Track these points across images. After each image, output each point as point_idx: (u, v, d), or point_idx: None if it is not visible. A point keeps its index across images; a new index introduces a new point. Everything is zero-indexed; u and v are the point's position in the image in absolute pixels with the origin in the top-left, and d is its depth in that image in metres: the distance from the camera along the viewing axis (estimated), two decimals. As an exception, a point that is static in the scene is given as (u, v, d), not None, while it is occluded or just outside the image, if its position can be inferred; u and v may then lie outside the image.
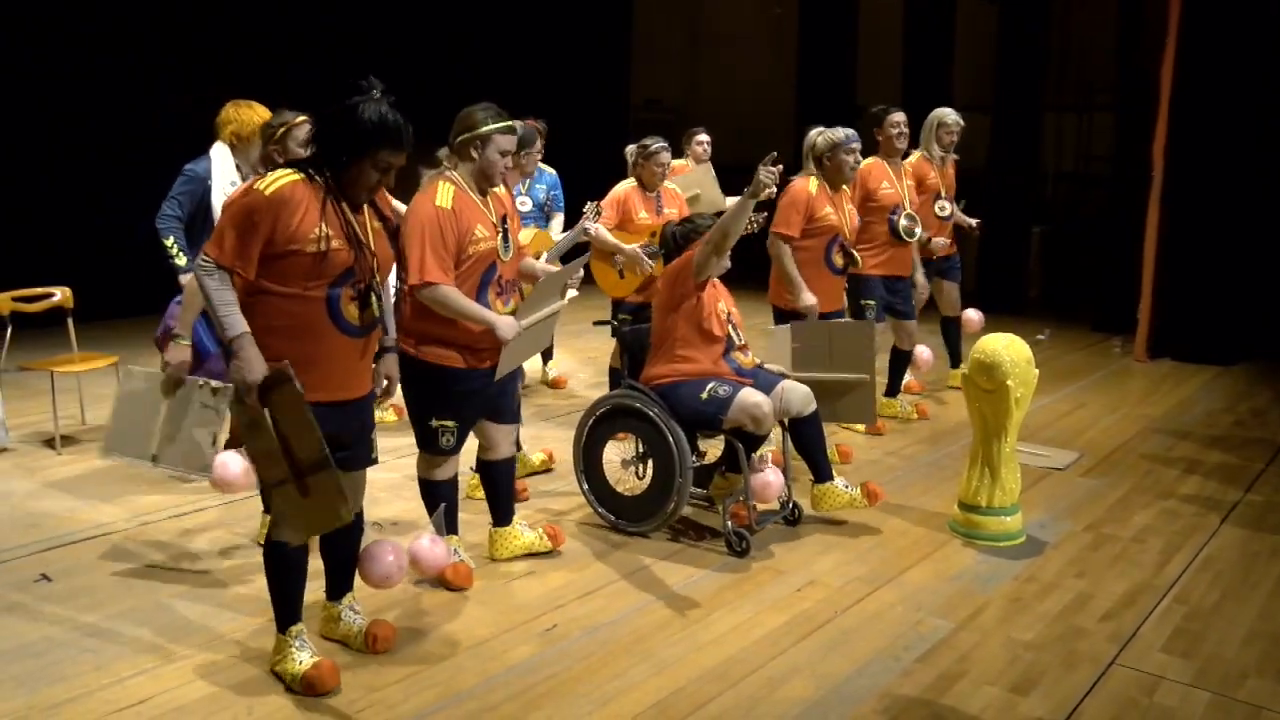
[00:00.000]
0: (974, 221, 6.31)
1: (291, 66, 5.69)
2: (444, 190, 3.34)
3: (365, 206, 2.79)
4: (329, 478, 2.56)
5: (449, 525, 3.61)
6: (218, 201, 4.65)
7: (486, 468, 3.74)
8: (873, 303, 5.33)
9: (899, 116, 5.43)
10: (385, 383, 3.07)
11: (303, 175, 2.68)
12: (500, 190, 3.58)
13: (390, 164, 2.70)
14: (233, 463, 3.43)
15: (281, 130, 3.67)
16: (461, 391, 3.43)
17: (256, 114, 4.55)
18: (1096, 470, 5.00)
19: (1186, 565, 3.83)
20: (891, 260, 5.42)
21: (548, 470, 4.76)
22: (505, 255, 3.46)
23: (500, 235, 3.44)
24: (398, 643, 3.11)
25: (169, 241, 4.61)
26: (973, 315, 6.37)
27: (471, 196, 3.40)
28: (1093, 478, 4.89)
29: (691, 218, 4.22)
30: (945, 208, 5.96)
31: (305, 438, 2.55)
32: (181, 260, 4.61)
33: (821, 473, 4.13)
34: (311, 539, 2.92)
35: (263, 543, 3.84)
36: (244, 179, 4.68)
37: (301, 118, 3.67)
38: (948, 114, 5.92)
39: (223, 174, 4.61)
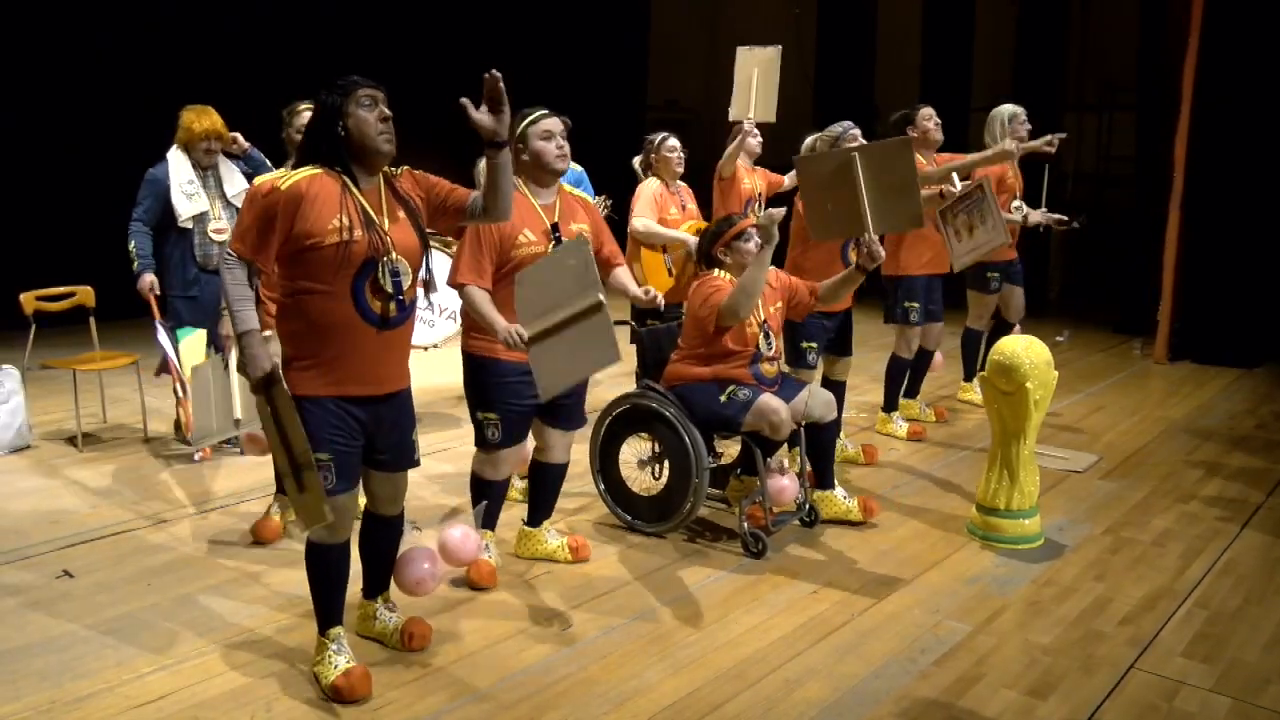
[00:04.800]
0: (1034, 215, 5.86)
1: (304, 68, 5.71)
2: None
3: (387, 193, 2.79)
4: (315, 480, 2.65)
5: (487, 522, 3.61)
6: (178, 200, 4.86)
7: (537, 467, 3.76)
8: (916, 305, 5.27)
9: (930, 109, 5.31)
10: None
11: (322, 169, 2.71)
12: (570, 193, 3.54)
13: (374, 97, 2.71)
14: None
15: (291, 115, 3.93)
16: (499, 383, 3.43)
17: (198, 119, 4.83)
18: (1116, 473, 4.97)
19: (1207, 569, 3.80)
20: (935, 259, 5.34)
21: None
22: None
23: (552, 242, 3.39)
24: (415, 641, 3.12)
25: (130, 245, 4.89)
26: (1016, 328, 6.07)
27: (529, 201, 3.39)
28: (1112, 480, 4.85)
29: (730, 216, 4.14)
30: (1022, 208, 5.76)
31: (298, 436, 2.65)
32: (135, 265, 4.89)
33: (825, 480, 4.18)
34: (351, 537, 2.93)
35: (252, 532, 3.90)
36: (200, 178, 4.89)
37: (304, 105, 3.89)
38: (1017, 108, 5.66)
39: (179, 174, 4.88)
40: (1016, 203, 5.78)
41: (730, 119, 5.31)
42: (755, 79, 5.23)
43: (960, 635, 3.25)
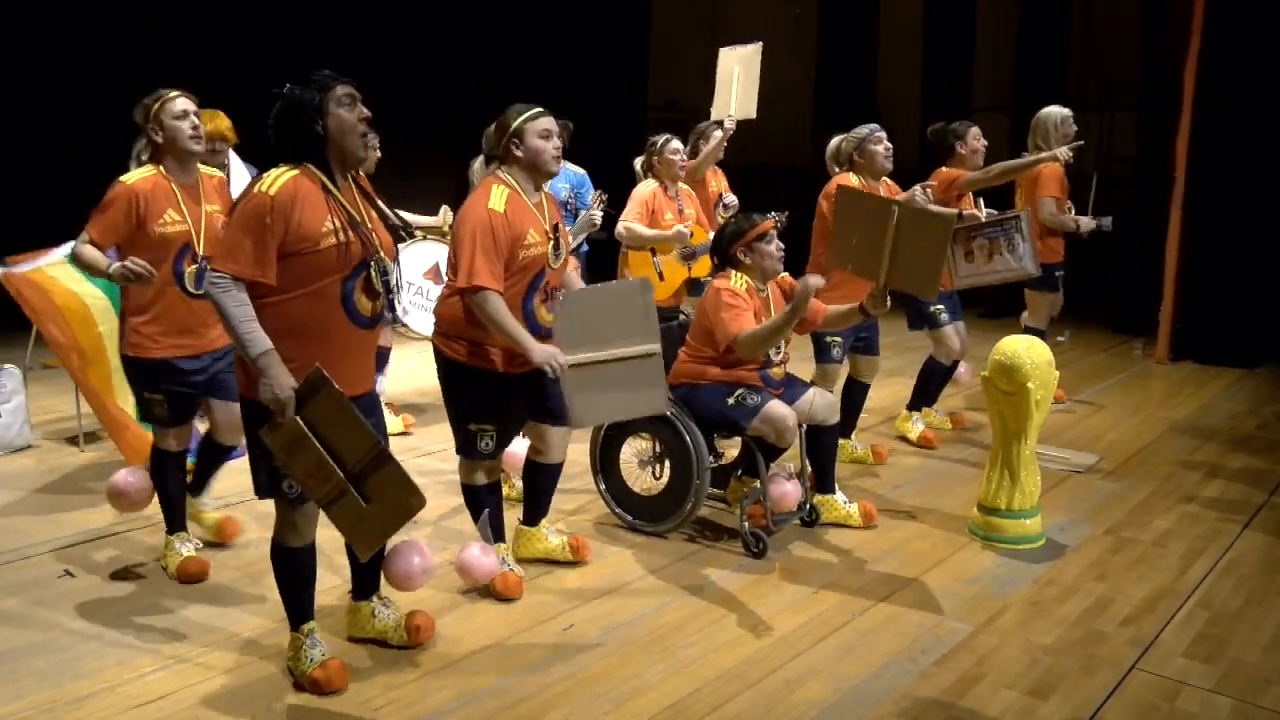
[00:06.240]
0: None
1: (304, 68, 5.71)
2: (497, 193, 3.23)
3: (360, 197, 2.75)
4: (391, 470, 2.45)
5: (495, 533, 3.54)
6: None
7: (533, 468, 3.65)
8: (941, 306, 5.20)
9: (978, 130, 5.26)
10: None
11: (300, 169, 2.64)
12: (550, 193, 3.48)
13: (353, 96, 2.66)
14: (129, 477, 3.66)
15: (156, 106, 3.44)
16: (502, 396, 3.36)
17: (205, 122, 4.66)
18: (1117, 473, 4.96)
19: (1209, 570, 3.80)
20: (945, 276, 5.28)
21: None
22: (555, 263, 3.36)
23: (552, 242, 3.34)
24: (416, 641, 3.12)
25: None
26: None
27: (524, 200, 3.28)
28: (1113, 480, 4.85)
29: (750, 215, 4.11)
30: (1070, 212, 5.70)
31: (353, 438, 2.46)
32: None
33: (826, 484, 4.16)
34: (341, 540, 2.91)
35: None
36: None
37: (174, 93, 3.44)
38: (1066, 110, 5.56)
39: None
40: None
41: (712, 118, 5.32)
42: (736, 77, 5.25)
43: (961, 635, 3.25)
